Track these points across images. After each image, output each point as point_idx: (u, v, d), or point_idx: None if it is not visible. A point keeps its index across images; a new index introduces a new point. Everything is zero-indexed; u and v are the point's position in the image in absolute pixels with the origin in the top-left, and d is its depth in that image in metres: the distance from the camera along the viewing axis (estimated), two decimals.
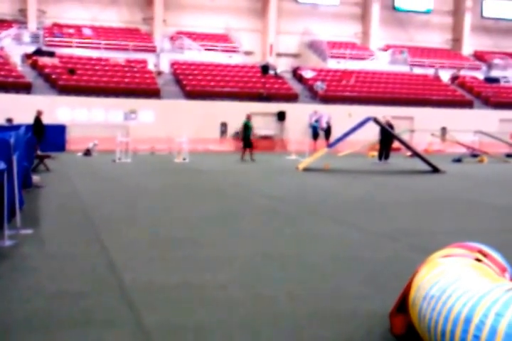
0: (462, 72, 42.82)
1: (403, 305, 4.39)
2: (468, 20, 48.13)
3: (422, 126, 31.37)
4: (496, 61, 45.86)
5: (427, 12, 47.82)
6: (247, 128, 23.95)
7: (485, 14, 49.59)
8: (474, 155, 27.37)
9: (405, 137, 26.64)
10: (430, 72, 41.48)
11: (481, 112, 36.79)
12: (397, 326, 4.39)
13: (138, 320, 4.58)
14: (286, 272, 6.16)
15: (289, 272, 6.17)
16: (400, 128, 27.27)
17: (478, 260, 4.28)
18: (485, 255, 4.42)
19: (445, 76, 41.40)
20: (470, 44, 48.53)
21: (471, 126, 31.74)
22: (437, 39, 48.61)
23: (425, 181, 17.08)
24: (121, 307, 4.87)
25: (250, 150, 23.66)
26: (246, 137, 23.83)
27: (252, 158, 23.40)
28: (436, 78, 40.87)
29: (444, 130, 33.04)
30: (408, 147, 22.11)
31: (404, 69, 41.91)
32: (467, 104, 37.51)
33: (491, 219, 10.16)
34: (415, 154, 21.18)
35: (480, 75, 43.67)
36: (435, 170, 19.32)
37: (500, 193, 14.28)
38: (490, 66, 45.53)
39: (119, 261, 6.49)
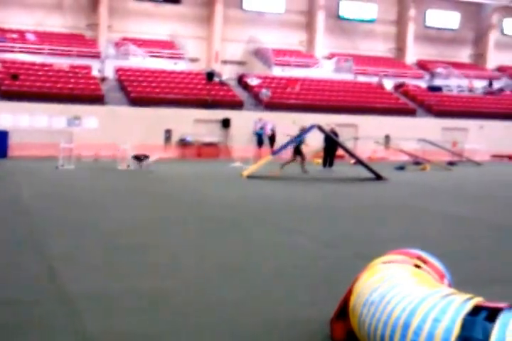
0: (405, 81, 43.63)
1: (344, 311, 4.37)
2: (411, 29, 49.15)
3: (365, 134, 31.81)
4: (439, 70, 46.94)
5: (371, 21, 48.65)
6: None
7: (428, 24, 50.80)
8: (417, 163, 27.83)
9: (349, 145, 26.93)
10: (374, 80, 42.14)
11: (424, 120, 37.57)
12: (338, 332, 4.38)
13: (80, 328, 4.45)
14: (230, 280, 6.10)
15: (233, 280, 6.11)
16: (344, 136, 27.54)
17: (418, 266, 4.30)
18: (424, 261, 4.45)
19: (389, 84, 42.12)
20: (413, 53, 49.57)
21: (414, 134, 32.37)
22: (381, 48, 49.46)
23: (368, 188, 17.27)
24: (63, 316, 4.73)
25: (295, 160, 23.10)
26: (297, 148, 23.27)
27: (304, 169, 22.58)
28: (380, 86, 41.54)
29: (387, 138, 33.55)
30: (352, 154, 22.32)
31: (348, 77, 42.46)
32: (410, 112, 38.23)
33: (433, 227, 10.30)
34: (359, 162, 21.39)
35: (423, 84, 44.59)
36: (378, 177, 19.54)
37: (442, 201, 14.52)
38: (433, 75, 46.55)
39: (61, 268, 6.32)
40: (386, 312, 3.64)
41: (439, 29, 51.13)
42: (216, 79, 36.25)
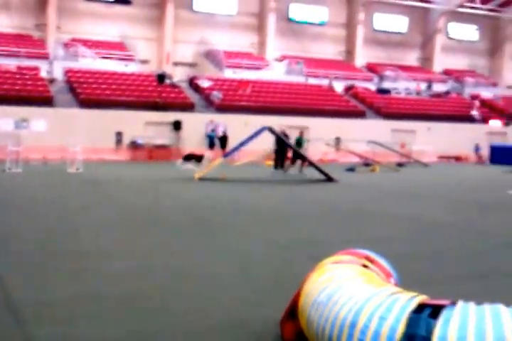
0: (355, 83, 44.18)
1: (293, 312, 4.40)
2: (360, 32, 49.82)
3: (316, 136, 32.07)
4: (388, 73, 47.66)
5: (321, 24, 49.13)
6: (299, 143, 24.20)
7: (377, 27, 51.57)
8: (367, 165, 28.19)
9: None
10: (324, 82, 42.53)
11: (374, 122, 38.09)
12: (287, 332, 4.41)
13: (26, 335, 4.38)
14: (184, 283, 6.09)
15: (187, 283, 6.09)
16: (295, 138, 27.69)
17: (365, 266, 4.37)
18: (372, 261, 4.52)
19: (339, 87, 42.56)
20: (363, 56, 50.25)
21: (364, 135, 32.77)
22: (331, 50, 49.98)
23: (319, 190, 17.41)
24: (7, 322, 4.63)
25: (303, 164, 23.33)
26: (296, 152, 23.40)
27: (301, 170, 23.33)
28: (331, 89, 41.95)
29: (338, 140, 33.90)
30: (302, 156, 22.48)
31: (299, 79, 42.76)
32: (360, 115, 38.72)
33: (383, 228, 10.44)
34: (310, 163, 21.55)
35: (372, 86, 45.19)
36: (329, 179, 19.73)
37: (391, 202, 14.74)
38: (381, 77, 47.23)
39: (6, 274, 6.17)
40: (333, 313, 3.68)
41: (387, 32, 52.00)
42: (167, 81, 36.06)
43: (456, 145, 38.26)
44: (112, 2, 42.07)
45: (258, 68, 42.74)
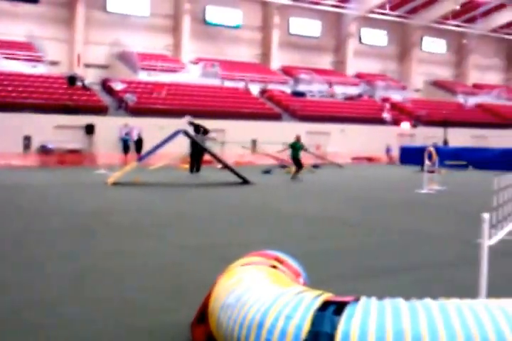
0: (270, 86, 44.60)
1: (204, 315, 4.39)
2: (276, 36, 50.39)
3: (233, 139, 32.15)
4: (302, 76, 48.36)
5: (237, 27, 49.36)
6: (294, 148, 23.31)
7: (291, 31, 52.26)
8: (283, 167, 28.45)
9: (216, 149, 27.11)
10: (240, 85, 42.73)
11: (289, 125, 38.50)
12: (198, 336, 4.41)
13: None
14: (92, 288, 5.99)
15: (95, 288, 6.00)
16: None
17: (274, 267, 4.40)
18: (281, 262, 4.57)
19: (255, 89, 42.86)
20: (278, 59, 50.80)
21: (279, 138, 33.06)
22: (247, 53, 50.29)
23: (235, 193, 17.45)
24: None
25: (297, 170, 22.97)
26: (294, 157, 23.15)
27: (295, 176, 22.74)
28: (246, 91, 42.18)
29: (254, 142, 34.09)
30: (218, 159, 22.48)
31: (215, 82, 42.79)
32: (276, 117, 39.11)
33: (297, 228, 10.57)
34: (225, 166, 21.57)
35: (287, 89, 45.72)
36: (245, 181, 19.80)
37: (306, 203, 14.94)
38: (296, 80, 47.86)
39: None
40: (241, 314, 3.70)
41: (302, 36, 52.78)
42: (79, 84, 35.28)
43: (368, 146, 39.23)
44: (18, 0, 40.48)
45: (173, 71, 42.48)
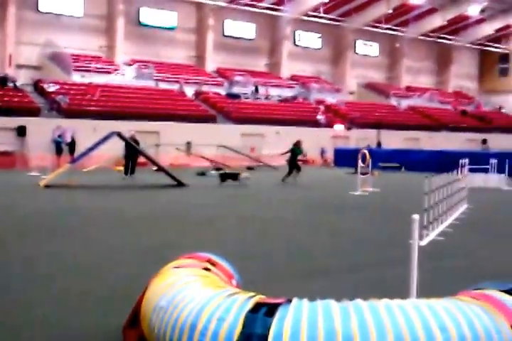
0: (205, 88, 44.51)
1: (136, 318, 4.35)
2: (210, 38, 50.29)
3: (167, 141, 31.94)
4: (237, 78, 48.43)
5: (172, 28, 49.05)
6: (294, 153, 22.84)
7: (226, 33, 52.29)
8: (218, 169, 28.39)
9: (151, 152, 26.87)
10: (175, 87, 42.47)
11: (224, 127, 38.53)
12: (130, 340, 4.35)
13: None
14: (22, 291, 5.87)
15: (26, 290, 5.88)
16: (146, 143, 27.42)
17: (207, 269, 4.40)
18: (213, 264, 4.58)
19: (190, 91, 42.69)
20: (213, 61, 50.70)
21: (214, 140, 33.07)
22: (182, 55, 50.02)
23: (169, 195, 17.38)
24: None
25: (293, 172, 22.48)
26: (291, 161, 22.62)
27: (285, 179, 22.36)
28: (181, 93, 41.98)
29: (188, 144, 33.93)
30: (153, 162, 22.29)
31: (150, 84, 42.39)
32: (211, 119, 39.03)
33: (232, 230, 10.59)
34: (160, 168, 21.40)
35: (222, 91, 45.71)
36: (180, 184, 19.70)
37: (241, 204, 14.97)
38: (231, 83, 47.89)
39: None
40: (174, 317, 3.69)
41: (237, 38, 52.87)
42: (10, 85, 34.39)
43: (303, 148, 39.48)
44: None
45: (107, 72, 41.90)
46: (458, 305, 3.57)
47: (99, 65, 42.25)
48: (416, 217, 4.84)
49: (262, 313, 3.45)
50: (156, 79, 43.27)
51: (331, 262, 7.85)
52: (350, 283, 6.55)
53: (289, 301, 3.53)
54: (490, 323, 3.45)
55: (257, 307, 3.51)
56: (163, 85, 42.75)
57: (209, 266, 4.49)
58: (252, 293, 3.74)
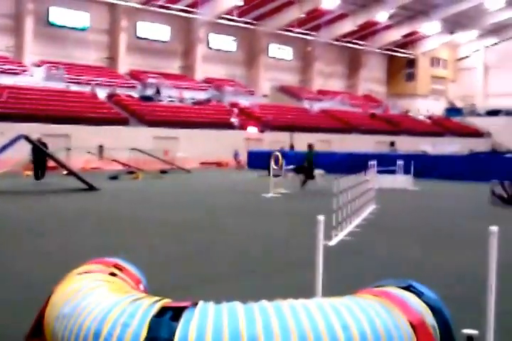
0: (118, 91, 43.84)
1: (39, 328, 4.23)
2: (123, 39, 49.63)
3: (79, 144, 31.24)
4: (151, 80, 47.97)
5: (83, 29, 48.06)
6: (308, 157, 21.79)
7: (139, 35, 51.69)
8: (130, 172, 28.05)
9: (61, 155, 26.22)
10: (87, 89, 41.64)
11: (137, 130, 38.06)
12: None
13: None
14: None
15: None
16: (56, 146, 26.70)
17: (114, 274, 4.33)
18: (120, 269, 4.52)
19: (102, 94, 41.93)
20: (126, 63, 50.06)
21: (127, 143, 32.59)
22: (94, 56, 49.13)
23: (79, 199, 17.03)
24: None
25: (307, 180, 21.58)
26: (304, 167, 21.65)
27: (302, 185, 21.42)
28: (93, 95, 41.18)
29: (101, 147, 33.32)
30: (62, 165, 21.76)
31: (60, 85, 41.32)
32: (123, 122, 38.47)
33: (140, 234, 10.48)
34: (70, 172, 20.93)
35: (135, 94, 45.16)
36: (91, 187, 19.33)
37: (153, 208, 14.85)
38: (144, 85, 47.39)
39: None
40: (78, 324, 3.62)
41: (150, 40, 52.37)
42: None
43: (217, 151, 39.62)
44: None
45: (15, 73, 40.61)
46: (359, 302, 3.67)
47: (6, 66, 40.85)
48: (321, 218, 4.94)
49: (168, 317, 3.43)
50: (67, 81, 42.24)
51: (240, 265, 7.90)
52: (257, 285, 6.62)
53: (195, 304, 3.53)
54: (389, 319, 3.57)
55: (163, 311, 3.50)
56: (74, 87, 41.78)
57: (115, 271, 4.42)
58: (158, 298, 3.72)
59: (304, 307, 3.54)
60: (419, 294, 3.86)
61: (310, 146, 22.12)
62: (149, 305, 3.56)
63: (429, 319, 3.69)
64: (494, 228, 4.19)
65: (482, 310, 4.20)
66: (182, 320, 3.40)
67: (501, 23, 69.39)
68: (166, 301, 3.67)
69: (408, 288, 3.92)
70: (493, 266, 4.14)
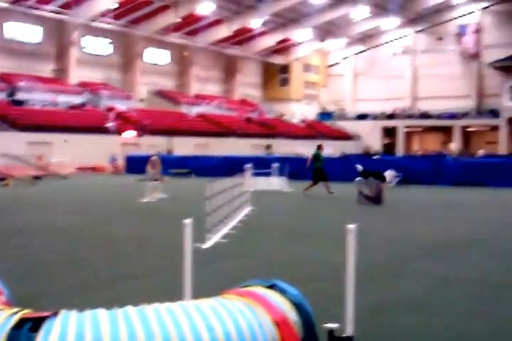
0: None
1: None
2: None
3: None
4: (22, 84, 46.15)
5: None
6: (318, 159, 20.17)
7: (8, 36, 49.51)
8: (1, 179, 26.92)
9: None
10: None
11: (8, 135, 36.52)
12: None
13: None
14: None
15: None
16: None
17: None
18: None
19: None
20: None
21: None
22: None
23: None
24: None
25: (326, 184, 19.97)
26: (317, 169, 20.02)
27: (329, 191, 19.77)
28: None
29: None
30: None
31: None
32: None
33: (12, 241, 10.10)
34: None
35: (5, 97, 43.34)
36: None
37: (30, 215, 14.33)
38: (16, 88, 45.51)
39: None
40: None
41: (21, 42, 50.32)
42: None
43: (93, 156, 38.78)
44: None
45: None
46: (224, 303, 3.73)
47: None
48: (188, 221, 4.98)
49: (27, 329, 3.33)
50: None
51: (111, 271, 7.79)
52: (132, 291, 6.56)
53: (56, 314, 3.45)
54: (253, 318, 3.65)
55: (22, 322, 3.39)
56: None
57: None
58: (17, 309, 3.60)
59: (169, 310, 3.56)
60: (282, 292, 3.98)
61: (319, 147, 21.14)
62: (7, 317, 3.43)
63: (292, 315, 3.81)
64: (352, 226, 4.39)
65: (343, 304, 4.39)
66: (42, 331, 3.30)
67: (367, 33, 72.65)
68: (26, 312, 3.56)
69: (272, 287, 4.03)
70: (352, 261, 4.33)
